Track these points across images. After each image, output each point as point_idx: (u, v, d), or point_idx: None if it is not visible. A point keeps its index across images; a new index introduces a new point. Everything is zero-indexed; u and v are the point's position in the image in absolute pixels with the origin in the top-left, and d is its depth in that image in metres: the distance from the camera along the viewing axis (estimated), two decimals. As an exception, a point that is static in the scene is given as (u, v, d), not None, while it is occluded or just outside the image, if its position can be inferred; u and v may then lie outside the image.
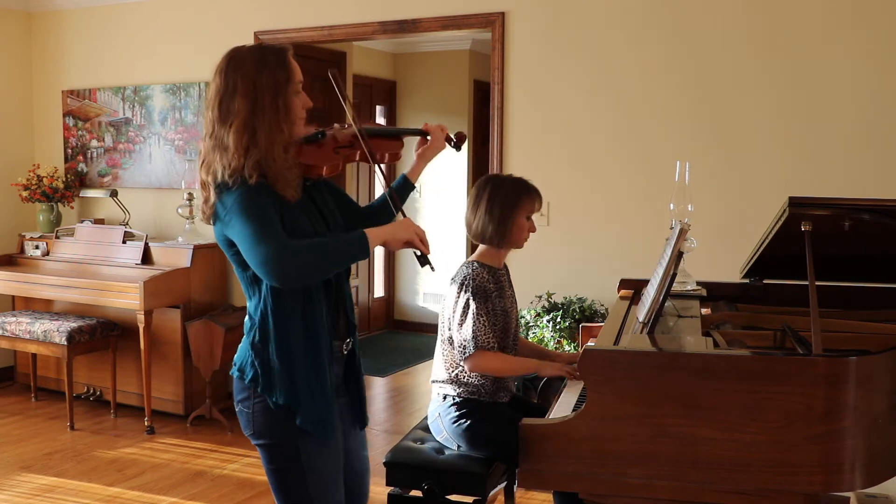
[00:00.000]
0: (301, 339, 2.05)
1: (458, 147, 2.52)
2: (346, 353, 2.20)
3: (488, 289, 2.69)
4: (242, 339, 2.16)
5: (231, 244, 2.02)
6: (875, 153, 3.66)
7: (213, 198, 2.01)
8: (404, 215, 2.23)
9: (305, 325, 2.05)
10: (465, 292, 2.68)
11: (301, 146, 2.11)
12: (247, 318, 2.14)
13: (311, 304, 2.06)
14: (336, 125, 2.28)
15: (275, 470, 2.12)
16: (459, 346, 2.68)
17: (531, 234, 2.82)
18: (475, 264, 2.74)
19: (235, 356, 2.16)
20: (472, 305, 2.65)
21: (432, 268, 2.13)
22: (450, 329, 2.74)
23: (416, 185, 2.44)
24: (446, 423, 2.74)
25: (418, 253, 2.12)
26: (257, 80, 2.00)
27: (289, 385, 2.04)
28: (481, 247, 2.82)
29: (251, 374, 2.07)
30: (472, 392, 2.73)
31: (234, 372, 2.13)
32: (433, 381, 2.83)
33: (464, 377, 2.72)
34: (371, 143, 2.24)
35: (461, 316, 2.67)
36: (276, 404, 2.05)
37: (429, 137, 2.43)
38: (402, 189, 2.41)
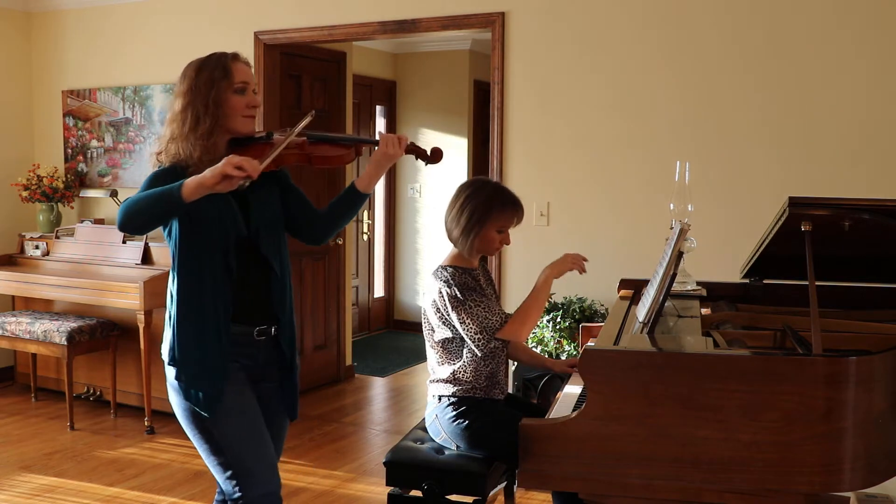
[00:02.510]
0: (203, 313, 2.25)
1: (429, 161, 2.43)
2: (259, 339, 2.35)
3: (470, 284, 2.67)
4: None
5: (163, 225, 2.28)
6: (875, 153, 3.66)
7: None
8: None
9: (211, 302, 2.24)
10: (450, 296, 2.65)
11: (247, 144, 2.28)
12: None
13: (219, 283, 2.24)
14: (289, 129, 2.34)
15: (195, 436, 2.32)
16: (480, 334, 2.63)
17: (505, 245, 2.78)
18: (448, 269, 2.69)
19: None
20: (466, 302, 2.63)
21: (251, 185, 2.10)
22: (433, 330, 2.73)
23: (367, 194, 2.40)
24: (444, 423, 2.74)
25: (245, 184, 2.06)
26: (196, 80, 2.26)
27: (186, 352, 2.26)
28: (453, 248, 2.78)
29: (167, 352, 2.32)
30: (466, 390, 2.72)
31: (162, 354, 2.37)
32: (430, 382, 2.83)
33: (458, 374, 2.71)
34: (316, 147, 2.35)
35: (460, 315, 2.65)
36: (178, 371, 2.28)
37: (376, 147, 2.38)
38: (347, 197, 2.40)
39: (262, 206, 2.34)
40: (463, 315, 2.64)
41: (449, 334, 2.71)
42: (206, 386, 2.24)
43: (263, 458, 2.32)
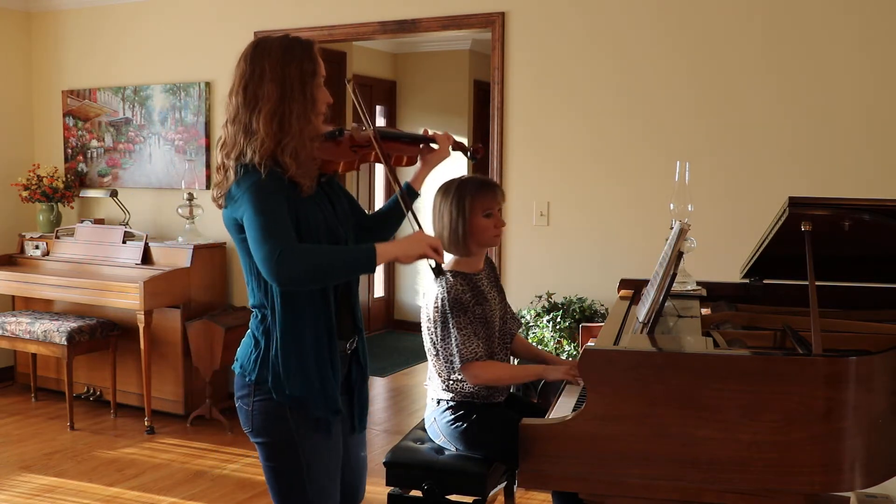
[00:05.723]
0: (310, 335, 2.05)
1: (473, 157, 2.62)
2: (349, 352, 2.21)
3: (464, 300, 2.62)
4: (246, 334, 2.16)
5: (240, 229, 2.02)
6: (875, 153, 3.66)
7: (231, 178, 2.02)
8: (415, 217, 2.24)
9: (315, 321, 2.05)
10: (441, 308, 2.62)
11: (319, 142, 2.12)
12: (252, 312, 2.13)
13: (320, 301, 2.06)
14: (354, 125, 2.29)
15: (272, 467, 2.12)
16: (446, 362, 2.64)
17: (502, 228, 2.73)
18: (448, 277, 2.65)
19: (238, 351, 2.16)
20: (450, 321, 2.60)
21: (446, 277, 2.23)
22: (432, 340, 2.71)
23: (419, 192, 2.41)
24: (442, 426, 2.73)
25: (433, 264, 2.12)
26: (286, 69, 2.01)
27: (301, 379, 2.05)
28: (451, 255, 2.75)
29: (255, 373, 2.08)
30: (465, 396, 2.70)
31: (236, 368, 2.14)
32: (428, 382, 2.82)
33: (455, 384, 2.70)
34: (386, 145, 2.27)
35: (441, 332, 2.63)
36: (286, 398, 2.05)
37: (434, 145, 2.42)
38: (404, 199, 2.35)
39: (345, 215, 2.20)
40: (444, 333, 2.63)
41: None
42: (334, 409, 2.08)
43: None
